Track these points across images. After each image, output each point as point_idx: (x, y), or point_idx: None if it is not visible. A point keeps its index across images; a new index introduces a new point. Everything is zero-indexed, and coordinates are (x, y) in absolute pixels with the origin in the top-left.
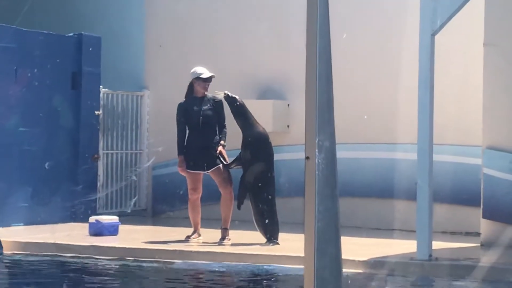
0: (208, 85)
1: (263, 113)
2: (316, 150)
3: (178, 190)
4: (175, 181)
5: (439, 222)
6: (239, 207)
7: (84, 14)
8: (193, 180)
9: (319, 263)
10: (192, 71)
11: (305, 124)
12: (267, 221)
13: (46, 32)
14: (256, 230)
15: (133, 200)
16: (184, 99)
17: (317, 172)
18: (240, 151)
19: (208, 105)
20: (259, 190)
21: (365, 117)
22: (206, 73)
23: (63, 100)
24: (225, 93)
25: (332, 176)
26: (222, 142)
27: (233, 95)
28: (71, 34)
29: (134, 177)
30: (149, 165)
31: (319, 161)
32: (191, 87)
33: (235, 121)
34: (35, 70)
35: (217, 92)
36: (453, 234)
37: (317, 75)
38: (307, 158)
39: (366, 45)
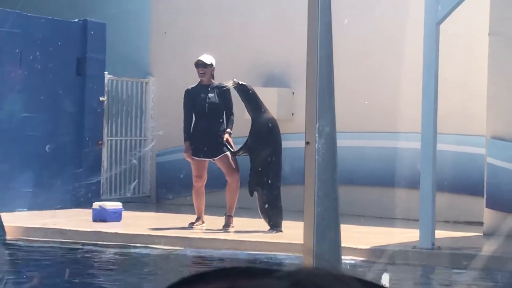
0: (203, 71)
1: (268, 101)
2: (316, 135)
3: (178, 175)
4: (179, 168)
5: (442, 211)
6: (251, 194)
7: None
8: (198, 167)
9: (318, 248)
10: None
11: (306, 109)
12: (271, 208)
13: (50, 17)
14: (260, 218)
15: (133, 184)
16: (192, 86)
17: (317, 157)
18: (247, 138)
19: (215, 92)
20: (264, 177)
21: (366, 102)
22: (198, 59)
23: (67, 86)
24: (233, 81)
25: (332, 162)
26: (228, 130)
27: (243, 83)
28: (76, 20)
29: (134, 161)
30: (148, 150)
31: (319, 146)
32: None
33: (240, 109)
34: (40, 55)
35: (224, 83)
36: (456, 223)
37: (318, 61)
38: (307, 143)
39: (370, 34)
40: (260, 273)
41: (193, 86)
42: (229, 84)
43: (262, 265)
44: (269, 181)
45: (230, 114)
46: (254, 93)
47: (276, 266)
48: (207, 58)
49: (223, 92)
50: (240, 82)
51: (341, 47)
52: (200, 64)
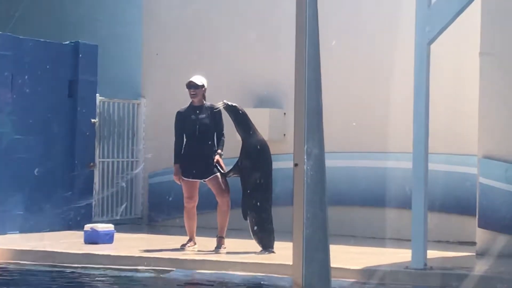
0: (194, 92)
1: (259, 122)
2: (305, 157)
3: (168, 197)
4: (171, 189)
5: (433, 231)
6: (245, 217)
7: (80, 21)
8: (189, 188)
9: (307, 270)
10: None
11: (294, 131)
12: (260, 230)
13: (42, 40)
14: (252, 239)
15: (122, 207)
16: (184, 108)
17: (305, 179)
18: (237, 159)
19: (206, 113)
20: (253, 200)
21: (354, 123)
22: (190, 80)
23: (59, 108)
24: (224, 103)
25: (321, 183)
26: (219, 151)
27: (233, 104)
28: (67, 42)
29: (123, 184)
30: (138, 172)
31: (308, 168)
32: None
33: (231, 130)
34: (31, 77)
35: (215, 105)
36: (448, 243)
37: (306, 83)
38: (295, 165)
39: (360, 54)
40: None
41: (185, 107)
42: (219, 105)
43: (254, 286)
44: (258, 203)
45: (221, 135)
46: (244, 114)
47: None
48: (198, 79)
49: (214, 113)
50: (230, 103)
51: (329, 69)
52: (191, 85)
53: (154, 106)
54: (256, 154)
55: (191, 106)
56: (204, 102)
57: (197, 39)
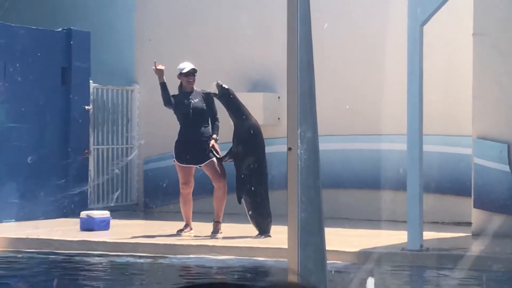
0: (192, 79)
1: (253, 106)
2: (298, 141)
3: (162, 183)
4: (166, 175)
5: (429, 213)
6: (239, 201)
7: (73, 8)
8: (184, 174)
9: (302, 253)
10: (177, 67)
11: (287, 115)
12: (256, 214)
13: (34, 27)
14: (248, 223)
15: (116, 193)
16: (175, 94)
17: (299, 163)
18: (232, 144)
19: (198, 98)
20: (251, 183)
21: (347, 106)
22: (187, 67)
23: (52, 95)
24: (218, 83)
25: (315, 167)
26: (214, 135)
27: (225, 86)
28: (60, 29)
29: (117, 171)
30: (133, 158)
31: (301, 152)
32: (180, 83)
33: (226, 115)
34: (24, 65)
35: (206, 89)
36: (444, 224)
37: (298, 66)
38: (289, 149)
39: (352, 36)
40: None
41: (176, 95)
42: (213, 85)
43: (250, 270)
44: (253, 188)
45: (215, 120)
46: (236, 99)
47: (264, 272)
48: (191, 66)
49: (207, 98)
50: (224, 85)
51: (322, 52)
52: (190, 73)
53: (148, 92)
54: (248, 139)
55: (182, 92)
56: (195, 87)
57: (189, 24)
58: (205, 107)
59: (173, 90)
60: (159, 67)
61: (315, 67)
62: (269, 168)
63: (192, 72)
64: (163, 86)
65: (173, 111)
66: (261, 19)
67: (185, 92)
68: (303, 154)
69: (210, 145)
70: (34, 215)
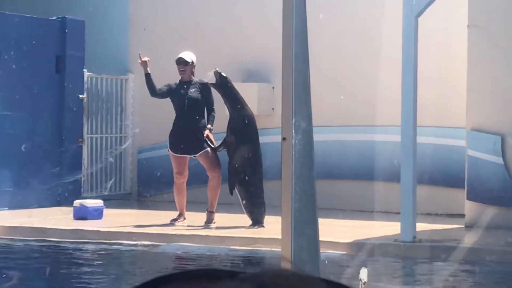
0: (184, 68)
1: (248, 96)
2: (293, 131)
3: (156, 172)
4: (160, 164)
5: (422, 204)
6: (231, 192)
7: None
8: (178, 163)
9: (296, 243)
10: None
11: (282, 105)
12: (250, 204)
13: (29, 16)
14: (242, 213)
15: (110, 182)
16: (172, 83)
17: (293, 153)
18: (226, 134)
19: (194, 88)
20: (245, 173)
21: (342, 97)
22: (180, 57)
23: (46, 84)
24: (216, 70)
25: (309, 157)
26: (209, 126)
27: (224, 75)
28: (54, 18)
29: (111, 159)
30: (127, 147)
31: (296, 142)
32: None
33: (222, 105)
34: (18, 53)
35: (204, 79)
36: (437, 215)
37: (293, 56)
38: (283, 139)
39: (347, 26)
40: (225, 275)
41: (172, 83)
42: (209, 74)
43: (243, 260)
44: (246, 177)
45: (211, 110)
46: (233, 87)
47: (257, 262)
48: (187, 56)
49: (203, 88)
50: (222, 73)
51: (317, 42)
52: (181, 62)
53: (142, 82)
54: (242, 129)
55: (179, 82)
56: (193, 78)
57: (184, 13)
58: (200, 98)
59: (169, 78)
60: (144, 59)
61: (310, 58)
62: (263, 158)
63: (184, 62)
64: (148, 77)
65: (170, 101)
66: (257, 8)
67: (183, 82)
68: (297, 144)
69: (205, 135)
70: (28, 203)
